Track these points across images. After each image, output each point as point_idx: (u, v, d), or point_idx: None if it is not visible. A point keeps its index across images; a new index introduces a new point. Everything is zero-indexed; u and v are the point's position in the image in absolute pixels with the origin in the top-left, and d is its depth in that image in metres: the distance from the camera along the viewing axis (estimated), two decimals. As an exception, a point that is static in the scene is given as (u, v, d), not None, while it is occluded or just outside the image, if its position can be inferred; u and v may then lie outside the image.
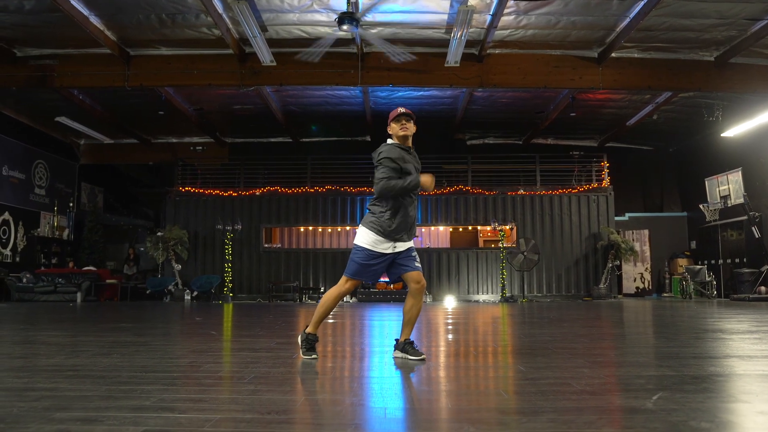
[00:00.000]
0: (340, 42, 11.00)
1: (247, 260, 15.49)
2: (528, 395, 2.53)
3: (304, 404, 2.44)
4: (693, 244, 16.54)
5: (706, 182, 14.75)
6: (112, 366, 3.38)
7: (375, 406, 2.37)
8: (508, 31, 10.72)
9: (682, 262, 15.84)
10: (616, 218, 15.93)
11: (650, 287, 16.04)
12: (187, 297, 14.44)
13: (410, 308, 3.68)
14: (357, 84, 11.92)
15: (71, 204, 17.03)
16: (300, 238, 16.98)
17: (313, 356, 3.67)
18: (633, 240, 15.82)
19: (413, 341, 3.71)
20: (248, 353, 4.05)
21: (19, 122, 14.88)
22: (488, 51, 11.48)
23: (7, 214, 14.35)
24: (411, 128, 3.71)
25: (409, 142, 3.74)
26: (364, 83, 11.93)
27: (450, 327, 6.46)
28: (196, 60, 11.69)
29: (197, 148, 17.33)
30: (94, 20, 10.20)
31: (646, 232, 16.22)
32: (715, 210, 14.52)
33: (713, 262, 15.26)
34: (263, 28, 10.46)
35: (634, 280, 16.15)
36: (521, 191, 15.68)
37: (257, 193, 15.80)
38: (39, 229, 15.55)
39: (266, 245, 15.84)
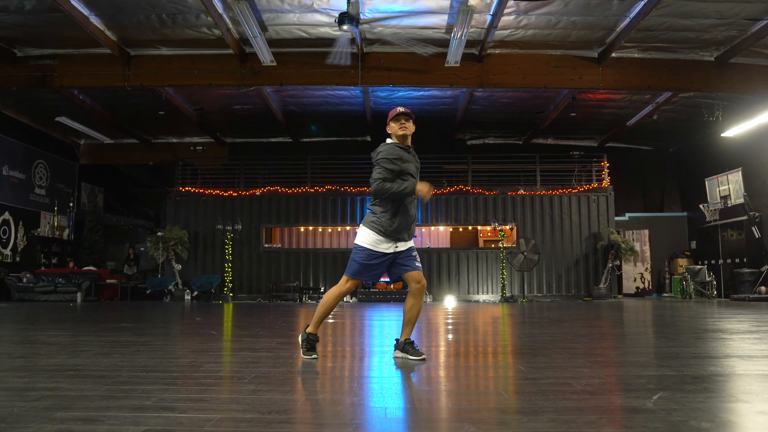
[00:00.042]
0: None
1: (247, 260, 15.49)
2: (528, 395, 2.53)
3: (304, 404, 2.44)
4: (693, 244, 16.54)
5: (706, 182, 14.75)
6: (112, 366, 3.38)
7: (375, 405, 2.38)
8: (509, 31, 10.72)
9: (682, 262, 15.84)
10: (616, 218, 15.94)
11: (650, 287, 16.04)
12: (188, 297, 14.44)
13: (410, 308, 3.68)
14: (357, 84, 11.92)
15: (71, 204, 17.03)
16: (300, 238, 16.98)
17: (314, 356, 3.67)
18: (633, 240, 15.83)
19: (413, 341, 3.71)
20: (248, 353, 4.05)
21: (19, 122, 14.88)
22: (488, 51, 11.48)
23: (7, 214, 14.36)
24: (410, 127, 3.70)
25: (409, 142, 3.74)
26: (364, 83, 11.94)
27: (450, 327, 6.46)
28: (197, 60, 11.69)
29: (197, 148, 17.33)
30: (94, 20, 10.21)
31: (646, 232, 16.22)
32: (715, 210, 14.53)
33: (713, 262, 15.26)
34: (263, 28, 10.47)
35: (634, 280, 16.16)
36: (521, 191, 15.68)
37: (257, 193, 15.80)
38: (39, 229, 15.55)
39: (266, 245, 15.84)
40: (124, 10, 9.90)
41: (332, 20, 10.01)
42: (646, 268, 16.10)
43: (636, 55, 11.74)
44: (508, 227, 15.47)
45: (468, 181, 15.92)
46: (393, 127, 3.71)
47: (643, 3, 9.47)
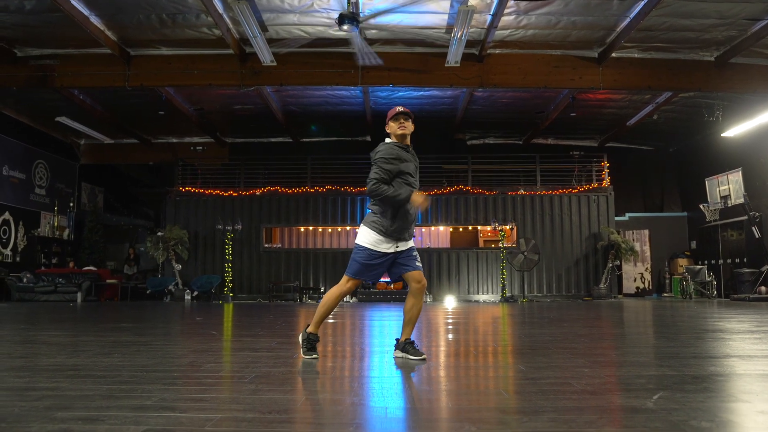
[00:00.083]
0: (340, 42, 11.01)
1: (247, 260, 15.49)
2: (528, 395, 2.54)
3: (304, 404, 2.44)
4: (693, 244, 16.54)
5: (707, 182, 14.76)
6: (113, 366, 3.39)
7: (376, 405, 2.38)
8: (509, 31, 10.72)
9: (683, 262, 15.84)
10: (617, 218, 15.94)
11: (650, 287, 16.04)
12: (188, 297, 14.45)
13: (411, 308, 3.68)
14: (357, 84, 11.92)
15: (71, 204, 17.04)
16: (300, 238, 16.98)
17: (314, 356, 3.67)
18: (633, 240, 15.83)
19: (414, 341, 3.71)
20: (249, 353, 4.05)
21: (19, 122, 14.89)
22: (488, 51, 11.48)
23: (7, 214, 14.36)
24: (409, 127, 3.70)
25: (408, 141, 3.74)
26: (364, 83, 11.94)
27: (450, 327, 6.46)
28: (197, 60, 11.69)
29: (197, 148, 17.34)
30: (94, 20, 10.21)
31: (647, 232, 16.23)
32: (715, 210, 14.53)
33: (713, 262, 15.26)
34: (263, 28, 10.47)
35: (635, 280, 16.16)
36: (521, 191, 15.69)
37: (257, 193, 15.80)
38: (39, 229, 15.55)
39: (266, 245, 15.85)
40: (124, 10, 9.90)
41: (332, 20, 10.01)
42: (646, 268, 16.10)
43: (636, 55, 11.74)
44: (508, 227, 15.47)
45: (468, 181, 15.92)
46: (392, 127, 3.71)
47: (643, 3, 9.48)
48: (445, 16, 10.22)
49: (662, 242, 16.39)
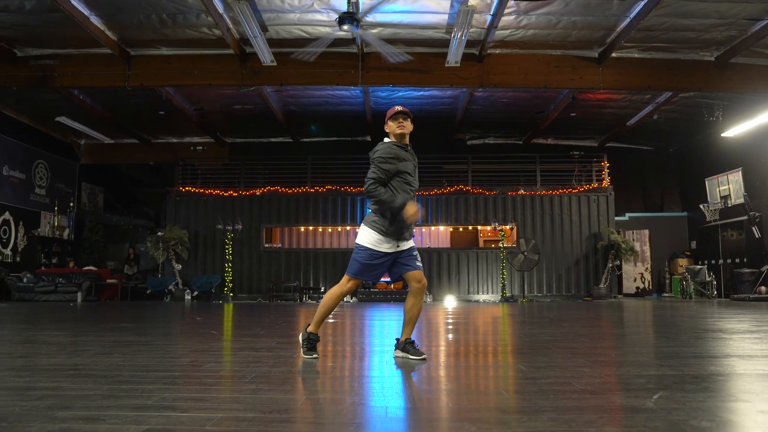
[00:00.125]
0: (340, 42, 11.00)
1: (247, 260, 15.50)
2: (529, 394, 2.54)
3: (305, 403, 2.45)
4: (693, 244, 16.54)
5: (707, 182, 14.76)
6: (113, 365, 3.39)
7: (376, 405, 2.38)
8: (509, 31, 10.72)
9: (683, 262, 15.85)
10: (617, 218, 15.94)
11: (650, 287, 16.05)
12: (188, 297, 14.45)
13: (411, 307, 3.68)
14: (357, 84, 11.93)
15: (71, 204, 17.04)
16: (300, 238, 16.98)
17: (314, 356, 3.67)
18: (633, 240, 15.83)
19: (414, 341, 3.71)
20: (249, 353, 4.05)
21: (19, 122, 14.89)
22: (488, 51, 11.48)
23: (7, 213, 14.36)
24: (408, 126, 3.70)
25: (407, 140, 3.74)
26: (364, 83, 11.94)
27: (450, 327, 6.47)
28: (197, 60, 11.70)
29: (198, 148, 17.34)
30: (94, 20, 10.21)
31: (647, 232, 16.23)
32: (715, 210, 14.53)
33: (713, 262, 15.26)
34: (264, 28, 10.47)
35: (635, 280, 16.16)
36: (521, 191, 15.69)
37: (257, 193, 15.81)
38: (39, 229, 15.55)
39: (266, 245, 15.85)
40: (124, 10, 9.90)
41: (333, 20, 10.01)
42: (646, 268, 16.10)
43: (636, 55, 11.74)
44: (508, 227, 15.47)
45: (468, 181, 15.92)
46: (391, 126, 3.71)
47: (643, 3, 9.48)
48: (445, 16, 10.22)
49: (662, 242, 16.39)
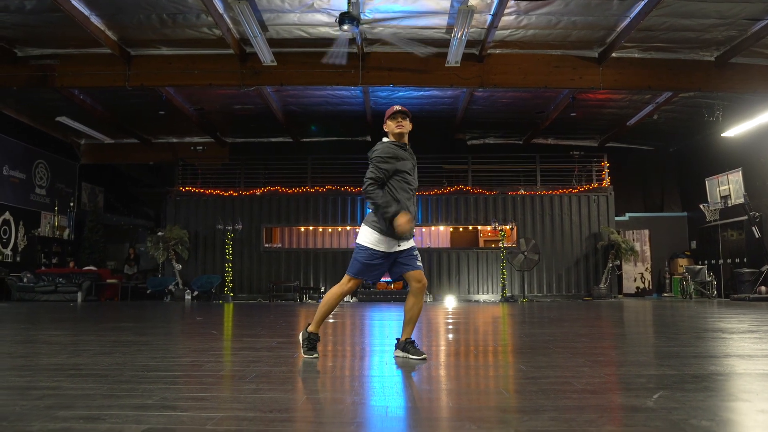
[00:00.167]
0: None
1: (247, 260, 15.50)
2: (529, 394, 2.54)
3: (305, 403, 2.45)
4: (693, 244, 16.54)
5: (707, 182, 14.76)
6: (113, 365, 3.39)
7: (376, 404, 2.38)
8: (509, 31, 10.73)
9: (683, 262, 15.85)
10: (617, 218, 15.94)
11: (650, 287, 16.05)
12: (188, 297, 14.45)
13: (411, 307, 3.68)
14: (357, 84, 11.93)
15: (72, 204, 17.04)
16: (300, 238, 16.99)
17: (314, 355, 3.68)
18: (633, 240, 15.83)
19: (414, 340, 3.71)
20: (249, 352, 4.05)
21: (19, 122, 14.89)
22: (489, 51, 11.48)
23: (7, 213, 14.36)
24: (407, 126, 3.71)
25: (405, 140, 3.74)
26: (364, 83, 11.94)
27: (450, 326, 6.47)
28: (197, 60, 11.70)
29: (198, 148, 17.34)
30: (94, 20, 10.21)
31: (647, 232, 16.23)
32: (715, 210, 14.53)
33: (713, 262, 15.26)
34: (264, 28, 10.47)
35: (635, 280, 16.16)
36: (521, 191, 15.69)
37: (258, 193, 15.81)
38: (39, 229, 15.56)
39: (267, 245, 15.85)
40: (124, 10, 9.91)
41: (333, 20, 10.01)
42: (647, 268, 16.10)
43: (636, 55, 11.74)
44: (508, 227, 15.47)
45: (468, 181, 15.93)
46: (390, 126, 3.72)
47: (643, 3, 9.48)
48: (446, 16, 10.23)
49: (662, 242, 16.40)
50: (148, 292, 14.96)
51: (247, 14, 9.47)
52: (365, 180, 3.58)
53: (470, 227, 16.44)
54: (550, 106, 14.41)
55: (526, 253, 14.75)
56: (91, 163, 17.89)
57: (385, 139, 3.74)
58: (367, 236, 3.61)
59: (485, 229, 16.64)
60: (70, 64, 11.67)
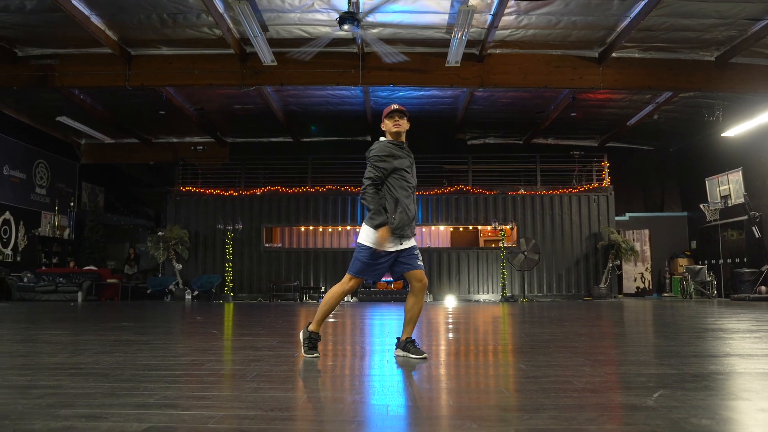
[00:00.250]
0: (340, 42, 11.02)
1: (247, 260, 15.51)
2: (529, 393, 2.54)
3: (306, 401, 2.45)
4: (693, 244, 16.55)
5: (707, 182, 14.76)
6: (114, 364, 3.39)
7: (377, 403, 2.38)
8: (509, 31, 10.73)
9: (683, 261, 15.85)
10: (617, 218, 15.95)
11: (650, 287, 16.05)
12: (188, 296, 14.46)
13: (412, 307, 3.69)
14: (358, 84, 11.93)
15: (72, 204, 17.05)
16: (300, 237, 16.99)
17: (315, 355, 3.68)
18: (633, 240, 15.83)
19: (415, 340, 3.72)
20: (250, 352, 4.06)
21: (19, 122, 14.89)
22: (489, 51, 11.48)
23: (8, 213, 14.37)
24: (404, 125, 3.71)
25: (403, 138, 3.75)
26: (364, 83, 11.95)
27: (451, 326, 6.47)
28: (197, 60, 11.70)
29: (198, 147, 17.35)
30: (95, 20, 10.22)
31: (647, 231, 16.23)
32: (715, 210, 14.54)
33: (713, 261, 15.27)
34: (264, 28, 10.47)
35: (635, 280, 16.16)
36: (522, 191, 15.70)
37: (258, 193, 15.82)
38: (40, 229, 15.56)
39: (267, 245, 15.86)
40: (124, 10, 9.91)
41: (333, 20, 10.01)
42: (647, 268, 16.10)
43: (636, 55, 11.74)
44: (508, 227, 15.48)
45: (468, 181, 15.93)
46: (387, 125, 3.73)
47: (643, 3, 9.48)
48: (446, 16, 10.23)
49: (662, 242, 16.40)
50: (148, 291, 14.96)
51: (247, 14, 9.47)
52: (364, 180, 3.59)
53: (470, 227, 16.45)
54: (550, 106, 14.41)
55: (526, 253, 14.75)
56: (91, 162, 17.90)
57: (382, 138, 3.75)
58: (368, 235, 3.61)
59: (485, 229, 16.65)
60: (70, 64, 11.67)
